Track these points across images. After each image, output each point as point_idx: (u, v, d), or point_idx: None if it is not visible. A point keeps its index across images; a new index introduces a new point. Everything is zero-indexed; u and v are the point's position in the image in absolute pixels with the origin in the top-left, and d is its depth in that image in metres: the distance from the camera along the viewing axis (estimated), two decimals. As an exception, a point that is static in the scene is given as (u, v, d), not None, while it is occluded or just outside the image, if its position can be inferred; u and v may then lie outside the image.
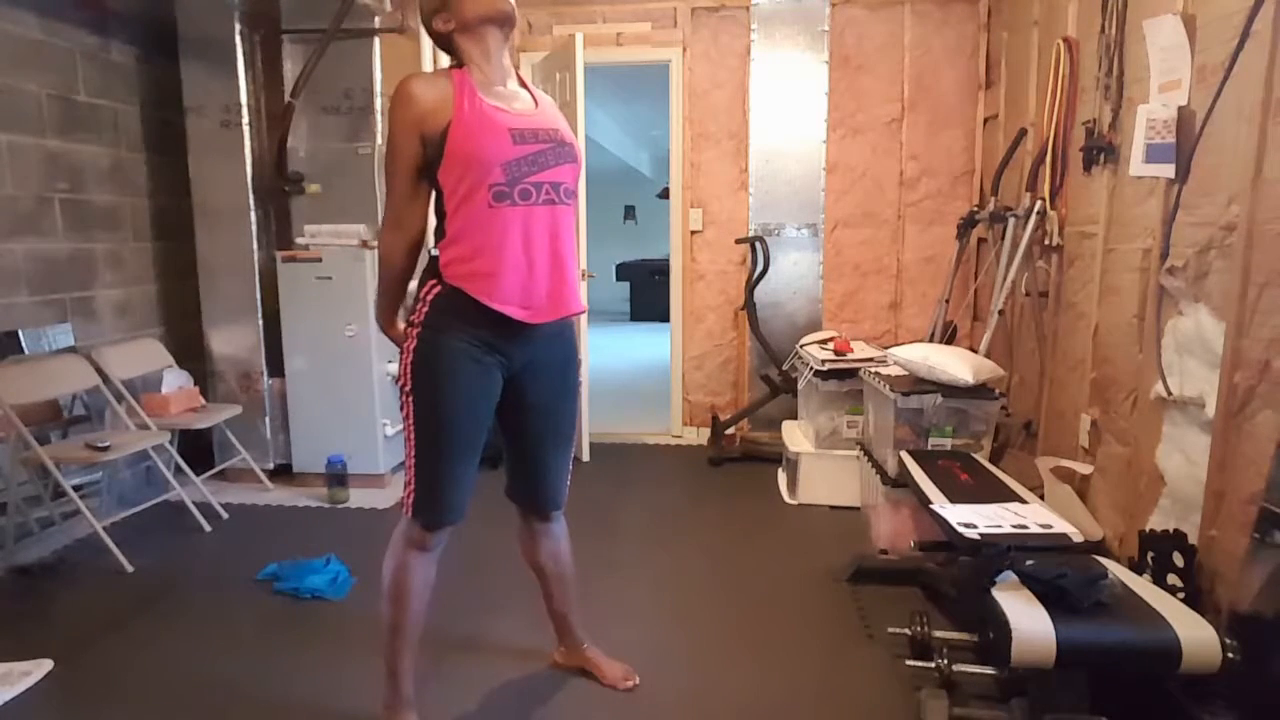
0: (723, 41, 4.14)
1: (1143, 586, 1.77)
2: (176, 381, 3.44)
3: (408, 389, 1.67)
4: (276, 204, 3.62)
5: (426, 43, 3.37)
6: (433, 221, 1.71)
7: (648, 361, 6.91)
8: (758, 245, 4.00)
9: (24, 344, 3.03)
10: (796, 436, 3.56)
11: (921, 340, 3.67)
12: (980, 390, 2.73)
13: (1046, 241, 2.91)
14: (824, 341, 3.61)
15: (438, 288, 1.66)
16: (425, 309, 1.67)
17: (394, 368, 1.72)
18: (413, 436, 1.68)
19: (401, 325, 1.76)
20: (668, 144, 4.31)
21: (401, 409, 1.70)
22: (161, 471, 3.10)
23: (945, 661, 1.90)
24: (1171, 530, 1.93)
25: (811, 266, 4.15)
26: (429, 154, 1.60)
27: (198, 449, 3.53)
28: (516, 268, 1.64)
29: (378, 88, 3.45)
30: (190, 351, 3.67)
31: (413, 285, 1.77)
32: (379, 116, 3.46)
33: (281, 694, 2.03)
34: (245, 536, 3.08)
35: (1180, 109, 2.03)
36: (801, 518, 3.27)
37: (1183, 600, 1.74)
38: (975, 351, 3.02)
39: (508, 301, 1.64)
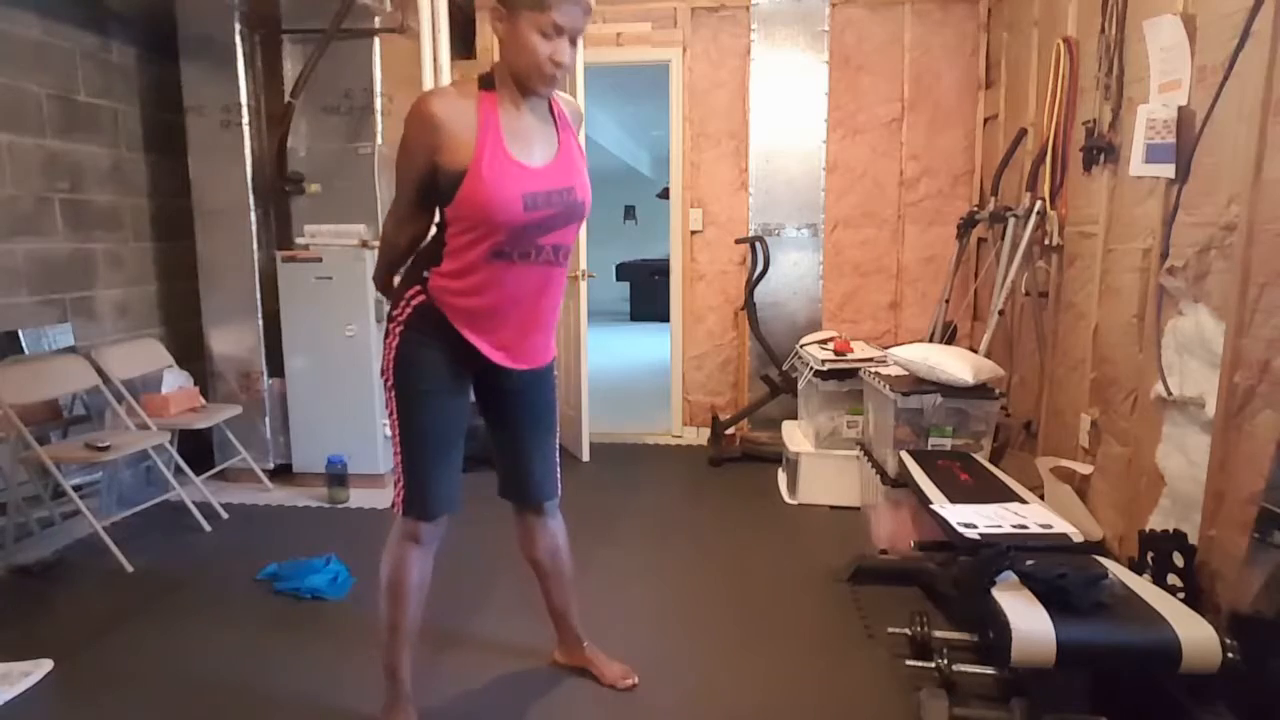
0: (723, 41, 4.14)
1: (1143, 586, 1.78)
2: (176, 381, 3.44)
3: (390, 383, 1.70)
4: (276, 204, 3.62)
5: (427, 43, 3.36)
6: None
7: (648, 361, 6.91)
8: (758, 245, 4.00)
9: (24, 344, 3.03)
10: (796, 436, 3.56)
11: (921, 340, 3.66)
12: (980, 390, 2.72)
13: (1046, 241, 2.91)
14: (824, 341, 3.61)
15: (422, 297, 1.68)
16: (408, 311, 1.69)
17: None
18: (398, 431, 1.71)
19: (396, 280, 1.80)
20: (668, 144, 4.31)
21: (386, 405, 1.73)
22: (161, 471, 3.10)
23: (945, 661, 1.90)
24: (1171, 530, 1.93)
25: (811, 266, 4.15)
26: (440, 181, 1.59)
27: (198, 449, 3.53)
28: (499, 318, 1.67)
29: (378, 88, 3.45)
30: (190, 351, 3.67)
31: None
32: (379, 116, 3.46)
33: (281, 693, 2.03)
34: (245, 536, 3.07)
35: (1180, 109, 2.03)
36: (801, 518, 3.27)
37: (1183, 600, 1.74)
38: (975, 351, 3.02)
39: (483, 342, 1.68)
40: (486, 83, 1.62)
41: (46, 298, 3.16)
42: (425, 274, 1.67)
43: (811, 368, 3.37)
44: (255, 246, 3.55)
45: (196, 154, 3.52)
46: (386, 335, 1.72)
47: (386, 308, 1.76)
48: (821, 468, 3.35)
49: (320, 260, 3.44)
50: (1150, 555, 1.95)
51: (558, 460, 1.96)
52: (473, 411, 1.83)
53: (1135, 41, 2.29)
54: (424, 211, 1.69)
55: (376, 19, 3.41)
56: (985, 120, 3.99)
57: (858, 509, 3.25)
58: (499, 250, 1.60)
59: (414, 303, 1.68)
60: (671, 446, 4.36)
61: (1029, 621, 1.63)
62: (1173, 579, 1.88)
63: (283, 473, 3.65)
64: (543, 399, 1.88)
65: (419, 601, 1.78)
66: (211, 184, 3.53)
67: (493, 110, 1.58)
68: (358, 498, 3.46)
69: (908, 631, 2.11)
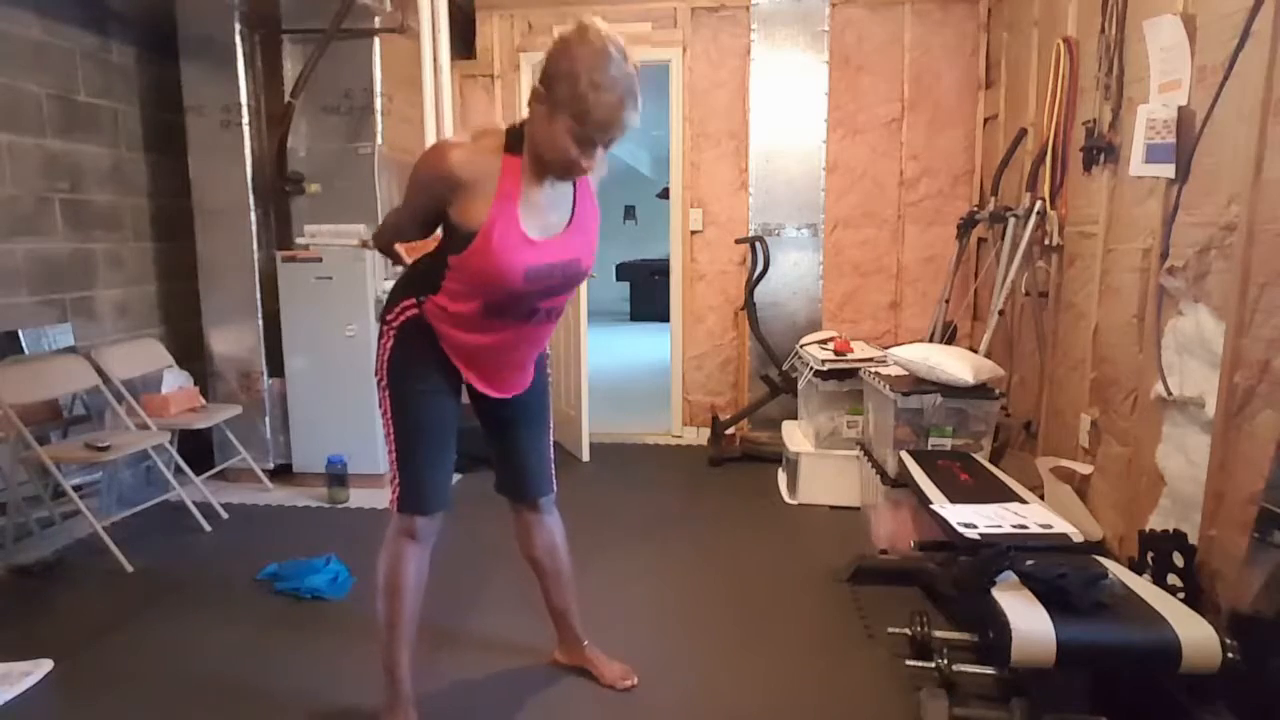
0: (723, 41, 4.14)
1: (1143, 586, 1.77)
2: (176, 381, 3.44)
3: (384, 382, 1.72)
4: (276, 204, 3.62)
5: (427, 43, 3.37)
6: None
7: (648, 361, 6.91)
8: (758, 245, 4.00)
9: (24, 344, 3.03)
10: (796, 436, 3.56)
11: (921, 340, 3.66)
12: (980, 390, 2.72)
13: (1046, 241, 2.91)
14: (824, 341, 3.61)
15: (415, 311, 1.69)
16: (402, 319, 1.71)
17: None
18: (392, 430, 1.72)
19: (402, 251, 1.83)
20: (668, 144, 4.31)
21: (380, 405, 1.74)
22: (161, 471, 3.10)
23: (945, 661, 1.89)
24: (1171, 530, 1.93)
25: (811, 266, 4.15)
26: (449, 226, 1.59)
27: (198, 449, 3.53)
28: (484, 356, 1.72)
29: (378, 88, 3.45)
30: (190, 351, 3.67)
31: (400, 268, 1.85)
32: (379, 116, 3.46)
33: (282, 693, 2.03)
34: (245, 536, 3.07)
35: (1180, 109, 2.03)
36: (801, 518, 3.27)
37: (1183, 600, 1.74)
38: (975, 351, 3.02)
39: (466, 369, 1.73)
40: (514, 144, 1.56)
41: (46, 298, 3.16)
42: (421, 297, 1.68)
43: (811, 368, 3.37)
44: (255, 246, 3.55)
45: (196, 154, 3.52)
46: (380, 336, 1.74)
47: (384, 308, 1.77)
48: (821, 468, 3.35)
49: (320, 260, 3.44)
50: (1150, 555, 1.95)
51: (552, 457, 1.97)
52: (469, 413, 1.84)
53: (1135, 41, 2.29)
54: (426, 230, 1.70)
55: (376, 19, 3.41)
56: (985, 120, 3.99)
57: (858, 509, 3.25)
58: (493, 308, 1.62)
59: (408, 313, 1.70)
60: (671, 446, 4.36)
61: (1029, 621, 1.63)
62: (1173, 579, 1.88)
63: (283, 473, 3.65)
64: (536, 396, 1.89)
65: (416, 599, 1.79)
66: (211, 184, 3.52)
67: (515, 179, 1.54)
68: (358, 498, 3.46)
69: (908, 631, 2.11)
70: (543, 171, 1.57)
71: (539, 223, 1.59)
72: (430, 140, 3.37)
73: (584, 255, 1.68)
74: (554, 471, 1.97)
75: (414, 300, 1.70)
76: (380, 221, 1.95)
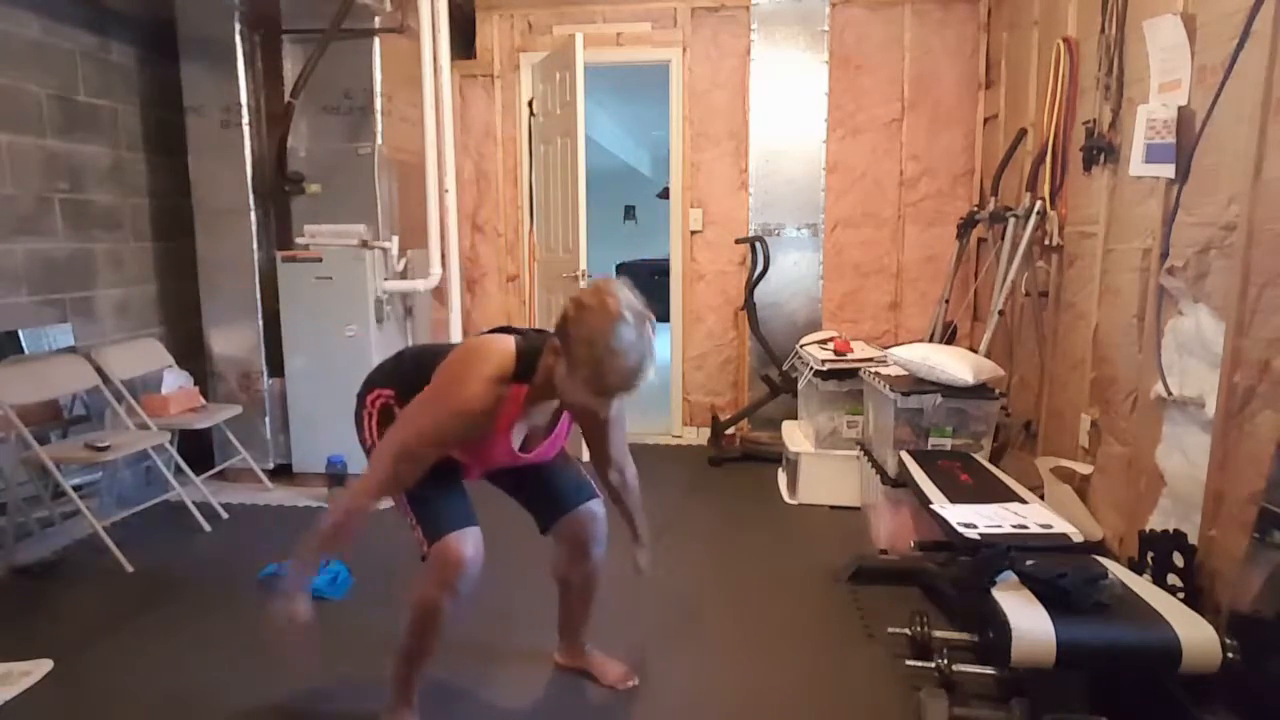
0: (723, 41, 4.14)
1: (1143, 586, 1.78)
2: (176, 381, 3.44)
3: (380, 440, 1.68)
4: (276, 204, 3.62)
5: (427, 43, 3.37)
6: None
7: (648, 361, 6.89)
8: (758, 245, 4.00)
9: (24, 344, 3.03)
10: (796, 436, 3.56)
11: (921, 340, 3.67)
12: (980, 390, 2.72)
13: (1046, 241, 2.91)
14: (824, 341, 3.60)
15: (391, 401, 1.77)
16: (380, 403, 1.78)
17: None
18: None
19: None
20: (668, 144, 4.31)
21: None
22: (161, 471, 3.10)
23: (945, 661, 1.90)
24: (1171, 530, 1.93)
25: (811, 266, 4.15)
26: None
27: (198, 449, 3.53)
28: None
29: (378, 88, 3.45)
30: (190, 351, 3.67)
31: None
32: (379, 116, 3.46)
33: (281, 693, 2.02)
34: (245, 536, 3.07)
35: (1180, 109, 2.03)
36: (801, 518, 3.27)
37: (1183, 600, 1.74)
38: (975, 351, 3.02)
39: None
40: (525, 369, 1.56)
41: (46, 298, 3.16)
42: (396, 393, 1.73)
43: (811, 368, 3.37)
44: (255, 246, 3.55)
45: (196, 154, 3.52)
46: (361, 408, 1.80)
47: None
48: (821, 468, 3.35)
49: (320, 260, 3.44)
50: (1150, 555, 1.96)
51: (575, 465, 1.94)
52: None
53: (1135, 41, 2.29)
54: (422, 468, 1.63)
55: (376, 19, 3.41)
56: (985, 120, 3.99)
57: (858, 509, 3.25)
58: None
59: (385, 400, 1.78)
60: (671, 446, 4.36)
61: (1029, 621, 1.63)
62: (1173, 579, 1.88)
63: (283, 473, 3.65)
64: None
65: (441, 638, 1.72)
66: (211, 184, 3.52)
67: (516, 409, 1.60)
68: (358, 498, 3.45)
69: (908, 631, 2.11)
70: (551, 398, 1.61)
71: (524, 431, 1.70)
72: (430, 140, 3.38)
73: (551, 452, 1.80)
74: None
75: (391, 393, 1.74)
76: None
